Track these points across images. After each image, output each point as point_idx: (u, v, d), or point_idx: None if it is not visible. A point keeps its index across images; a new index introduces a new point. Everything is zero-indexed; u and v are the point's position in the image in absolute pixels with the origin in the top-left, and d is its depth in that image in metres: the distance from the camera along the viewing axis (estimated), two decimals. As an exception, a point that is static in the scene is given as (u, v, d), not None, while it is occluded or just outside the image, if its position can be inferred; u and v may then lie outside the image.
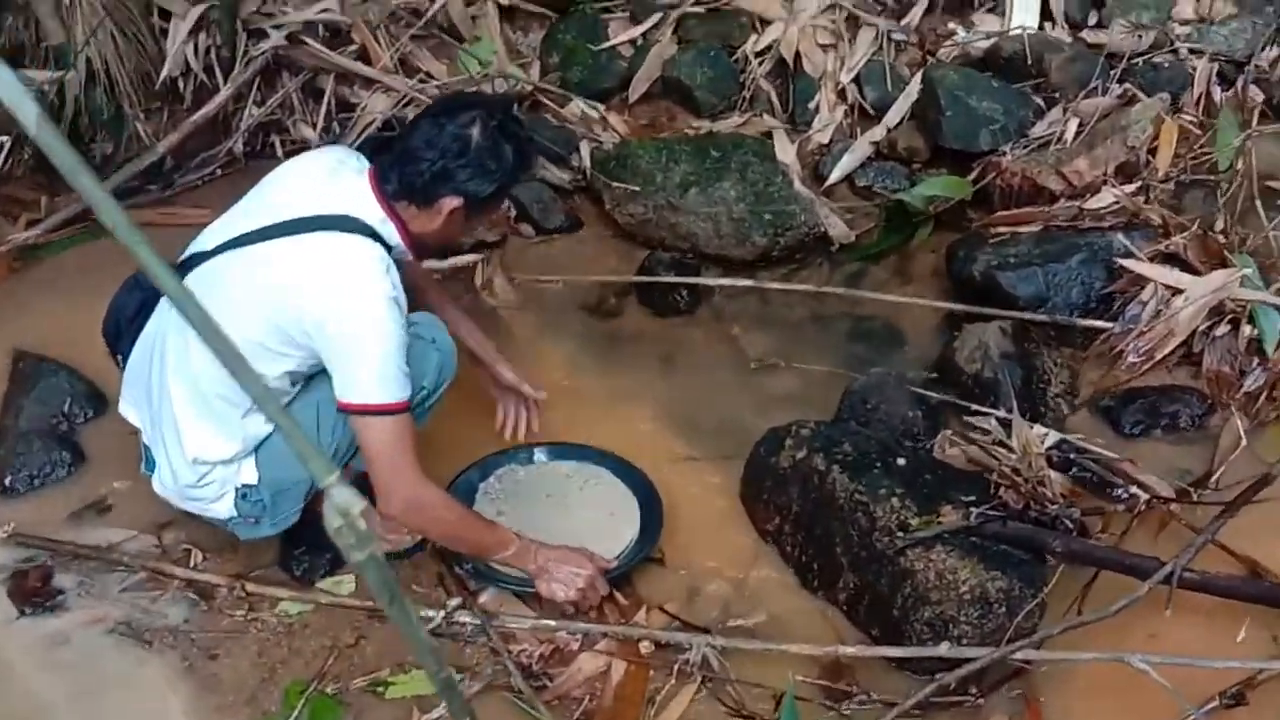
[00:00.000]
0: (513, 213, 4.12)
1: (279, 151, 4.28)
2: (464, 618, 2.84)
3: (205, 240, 2.75)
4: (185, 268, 2.74)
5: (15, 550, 3.02)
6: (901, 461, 2.95)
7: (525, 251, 4.11)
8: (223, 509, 2.82)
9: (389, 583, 0.99)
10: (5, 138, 3.63)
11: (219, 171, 4.30)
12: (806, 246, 4.02)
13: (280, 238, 2.61)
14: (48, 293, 3.80)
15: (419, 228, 2.70)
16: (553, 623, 2.84)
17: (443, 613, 2.83)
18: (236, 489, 2.79)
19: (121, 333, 2.89)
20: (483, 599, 2.91)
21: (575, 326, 3.84)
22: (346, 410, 2.58)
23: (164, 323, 2.76)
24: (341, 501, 0.90)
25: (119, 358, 2.93)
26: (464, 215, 2.71)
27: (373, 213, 2.64)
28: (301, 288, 2.56)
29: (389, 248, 2.64)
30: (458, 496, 2.93)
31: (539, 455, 3.22)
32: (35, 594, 2.92)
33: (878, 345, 3.75)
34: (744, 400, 3.52)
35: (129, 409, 2.92)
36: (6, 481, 3.21)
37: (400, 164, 2.67)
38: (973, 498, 2.83)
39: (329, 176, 2.69)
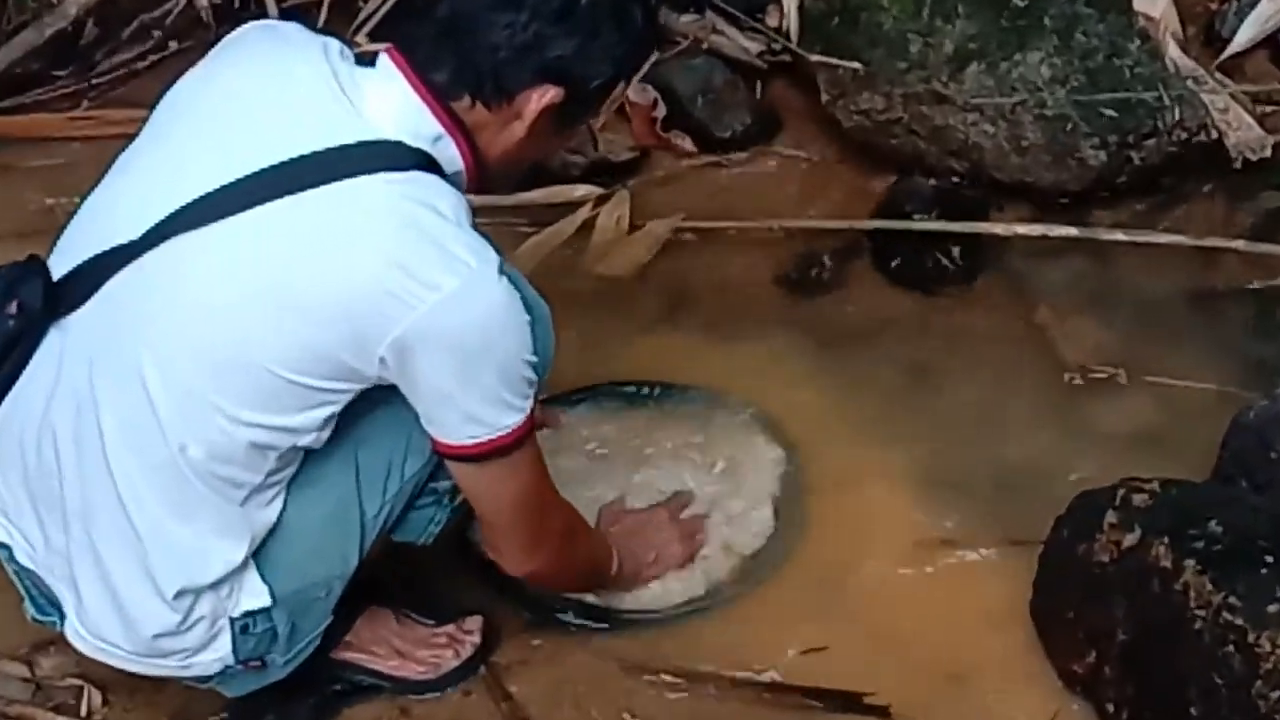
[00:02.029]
0: (661, 111, 3.61)
1: (272, 9, 3.67)
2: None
3: (115, 217, 2.32)
4: (97, 272, 2.33)
5: None
6: (1318, 557, 2.52)
7: (681, 180, 3.62)
8: (212, 657, 2.52)
9: None
10: None
11: (173, 45, 3.75)
12: (1182, 166, 3.42)
13: (287, 197, 2.20)
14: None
15: (487, 140, 2.33)
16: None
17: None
18: (233, 621, 2.48)
19: None
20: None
21: (763, 309, 3.37)
22: (454, 455, 2.35)
23: (79, 384, 2.38)
24: None
25: None
26: (558, 118, 2.33)
27: (424, 125, 2.28)
28: (361, 297, 2.20)
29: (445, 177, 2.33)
30: None
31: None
32: None
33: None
34: (1052, 439, 3.04)
35: None
36: None
37: (454, 36, 2.27)
38: None
39: (321, 71, 2.28)
